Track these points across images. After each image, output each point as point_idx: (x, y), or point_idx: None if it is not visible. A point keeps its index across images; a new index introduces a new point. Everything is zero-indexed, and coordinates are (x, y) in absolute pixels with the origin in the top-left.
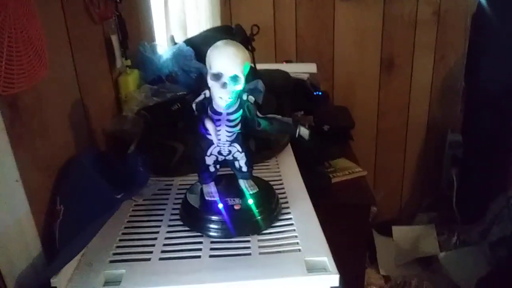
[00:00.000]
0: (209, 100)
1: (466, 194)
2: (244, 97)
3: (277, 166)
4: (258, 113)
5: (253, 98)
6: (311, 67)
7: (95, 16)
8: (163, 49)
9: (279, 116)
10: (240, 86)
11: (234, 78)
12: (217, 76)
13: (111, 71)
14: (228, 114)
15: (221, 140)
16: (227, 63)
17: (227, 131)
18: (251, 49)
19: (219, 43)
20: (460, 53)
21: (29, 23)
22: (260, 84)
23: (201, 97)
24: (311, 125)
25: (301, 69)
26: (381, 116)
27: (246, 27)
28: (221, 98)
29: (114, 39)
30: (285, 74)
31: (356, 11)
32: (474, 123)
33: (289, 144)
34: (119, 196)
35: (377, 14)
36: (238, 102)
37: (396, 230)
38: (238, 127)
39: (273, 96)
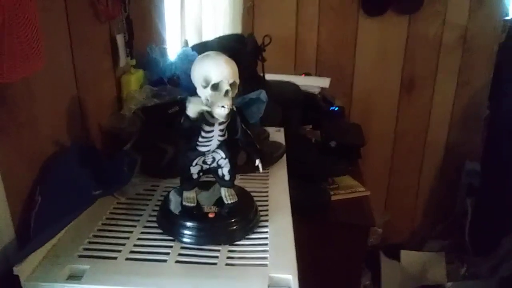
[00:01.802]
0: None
1: (479, 225)
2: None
3: (267, 178)
4: (241, 124)
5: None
6: (324, 82)
7: (101, 14)
8: (171, 52)
9: (254, 139)
10: (236, 91)
11: (233, 84)
12: (218, 85)
13: (115, 69)
14: (220, 124)
15: (211, 149)
16: (226, 71)
17: (218, 140)
18: (261, 59)
19: (204, 55)
20: (485, 79)
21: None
22: (263, 95)
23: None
24: (317, 140)
25: (314, 83)
26: (398, 137)
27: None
28: (223, 107)
29: (119, 38)
30: (295, 86)
31: (380, 28)
32: (494, 152)
33: (284, 157)
34: (96, 193)
35: (401, 33)
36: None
37: (405, 254)
38: (226, 135)
39: (279, 107)
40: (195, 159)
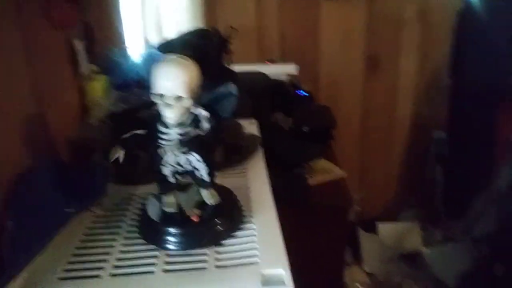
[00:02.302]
0: (159, 113)
1: (450, 191)
2: (197, 112)
3: (245, 172)
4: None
5: (207, 114)
6: (291, 68)
7: (56, 21)
8: (134, 53)
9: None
10: (187, 104)
11: (179, 99)
12: (162, 97)
13: (76, 77)
14: (178, 127)
15: (174, 146)
16: (169, 85)
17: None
18: (227, 52)
19: (165, 60)
20: (445, 51)
21: None
22: (233, 88)
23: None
24: (290, 126)
25: (280, 71)
26: (366, 115)
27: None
28: (169, 118)
29: (78, 44)
30: (263, 76)
31: (341, 10)
32: (459, 120)
33: (260, 149)
34: (71, 209)
35: (361, 13)
36: (191, 117)
37: (381, 226)
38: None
39: (249, 98)
40: (161, 158)
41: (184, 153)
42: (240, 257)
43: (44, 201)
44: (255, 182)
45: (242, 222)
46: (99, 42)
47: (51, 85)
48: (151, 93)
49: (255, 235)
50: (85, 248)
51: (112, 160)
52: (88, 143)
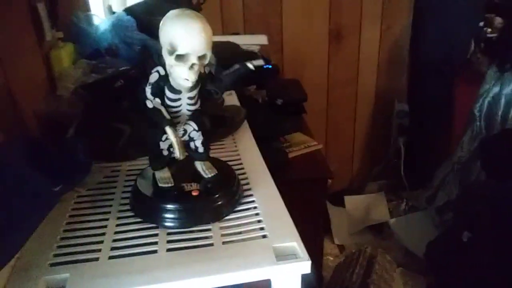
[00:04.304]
0: (165, 79)
1: (413, 161)
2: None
3: (234, 145)
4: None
5: (208, 69)
6: (262, 39)
7: None
8: (100, 19)
9: (226, 71)
10: (206, 62)
11: (203, 57)
12: (184, 57)
13: (40, 45)
14: (189, 91)
15: (181, 121)
16: (197, 43)
17: (188, 110)
18: None
19: (178, 15)
20: (406, 23)
21: None
22: (211, 57)
23: (155, 77)
24: (264, 99)
25: (252, 41)
26: (331, 87)
27: None
28: (187, 79)
29: (41, 8)
30: (235, 46)
31: None
32: (418, 92)
33: (245, 121)
34: (57, 189)
35: None
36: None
37: (348, 199)
38: (198, 103)
39: (222, 69)
40: (164, 133)
41: (183, 123)
42: (247, 232)
43: (21, 182)
44: (246, 152)
45: (242, 195)
46: (63, 6)
47: (13, 53)
48: (168, 54)
49: (257, 208)
50: (74, 230)
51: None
52: (58, 117)
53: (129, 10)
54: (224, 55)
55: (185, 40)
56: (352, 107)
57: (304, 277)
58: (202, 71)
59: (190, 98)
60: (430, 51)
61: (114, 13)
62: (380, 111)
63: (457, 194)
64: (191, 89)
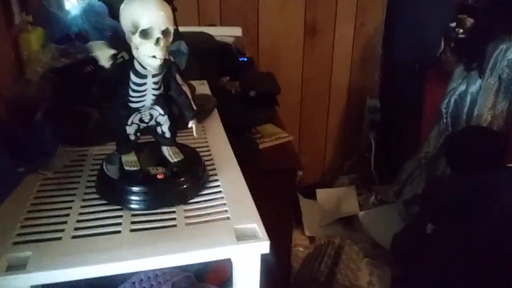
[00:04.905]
0: (130, 64)
1: (382, 156)
2: (167, 56)
3: (204, 132)
4: (177, 78)
5: (173, 57)
6: (236, 31)
7: None
8: (71, 4)
9: (189, 96)
10: (171, 39)
11: (166, 32)
12: (148, 32)
13: (8, 28)
14: (153, 76)
15: (146, 105)
16: (158, 16)
17: (153, 95)
18: (172, 9)
19: None
20: (379, 20)
21: None
22: (183, 46)
23: (119, 61)
24: (237, 90)
25: (226, 33)
26: (306, 82)
27: None
28: (155, 57)
29: None
30: (209, 37)
31: None
32: (389, 88)
33: (215, 109)
34: (21, 169)
35: None
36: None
37: (320, 192)
38: (161, 89)
39: (195, 59)
40: (129, 117)
41: (148, 107)
42: (210, 214)
43: None
44: (215, 140)
45: (208, 180)
46: None
47: None
48: (131, 34)
49: (222, 192)
50: (38, 211)
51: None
52: (27, 100)
53: None
54: (198, 45)
55: (145, 15)
56: (325, 102)
57: (266, 264)
58: (167, 58)
59: (155, 83)
60: (401, 49)
61: None
62: (352, 107)
63: (423, 188)
64: (157, 73)
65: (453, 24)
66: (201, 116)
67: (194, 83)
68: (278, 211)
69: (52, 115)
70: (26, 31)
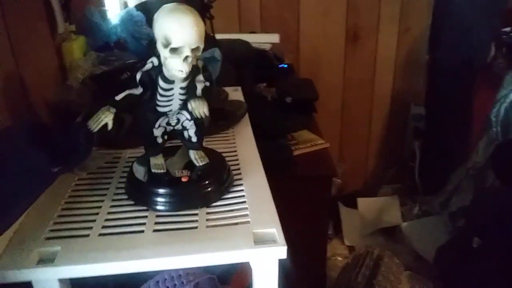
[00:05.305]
0: (158, 69)
1: (428, 166)
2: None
3: (233, 137)
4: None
5: (201, 62)
6: (274, 38)
7: None
8: (112, 14)
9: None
10: (199, 53)
11: (196, 49)
12: (177, 50)
13: (53, 36)
14: (181, 81)
15: (173, 110)
16: (190, 35)
17: (180, 99)
18: (209, 17)
19: (171, 9)
20: (424, 25)
21: None
22: (217, 53)
23: (148, 66)
24: (273, 97)
25: (264, 39)
26: (347, 89)
27: None
28: (181, 71)
29: (55, 1)
30: (245, 44)
31: None
32: (436, 95)
33: (246, 115)
34: (55, 170)
35: None
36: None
37: (361, 201)
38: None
39: (232, 66)
40: (156, 120)
41: (176, 112)
42: (231, 217)
43: (26, 160)
44: (243, 146)
45: (232, 184)
46: (76, 0)
47: (28, 43)
48: (163, 47)
49: (245, 196)
50: (70, 209)
51: (100, 125)
52: (68, 105)
53: (140, 6)
54: (234, 52)
55: (178, 34)
56: (368, 109)
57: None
58: (195, 63)
59: (182, 88)
60: (449, 54)
61: (128, 7)
62: (395, 114)
63: (470, 200)
64: (184, 79)
65: (508, 29)
66: (232, 122)
67: (228, 89)
68: (313, 218)
69: (90, 119)
70: (69, 39)
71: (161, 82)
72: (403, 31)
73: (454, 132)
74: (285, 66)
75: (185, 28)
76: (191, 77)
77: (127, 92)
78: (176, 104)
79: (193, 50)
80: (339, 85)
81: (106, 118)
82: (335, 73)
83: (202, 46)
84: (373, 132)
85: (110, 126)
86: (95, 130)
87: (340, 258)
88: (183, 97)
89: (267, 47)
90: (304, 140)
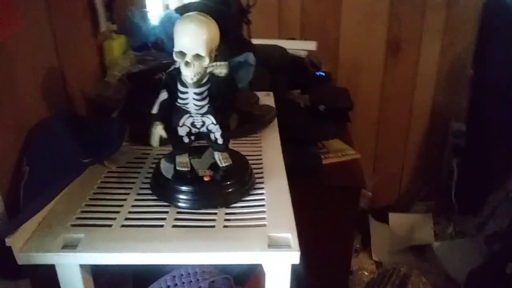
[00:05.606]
0: (178, 72)
1: (465, 185)
2: (211, 69)
3: (260, 142)
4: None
5: (222, 73)
6: (311, 45)
7: None
8: (152, 16)
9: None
10: (205, 64)
11: (197, 57)
12: (181, 55)
13: (95, 35)
14: (196, 87)
15: (192, 112)
16: (189, 42)
17: (195, 105)
18: (246, 22)
19: (184, 16)
20: (469, 39)
21: None
22: (251, 58)
23: (171, 68)
24: (306, 104)
25: (301, 46)
26: (385, 100)
27: None
28: (186, 76)
29: (98, 1)
30: (281, 50)
31: None
32: (479, 113)
33: (275, 120)
34: (86, 160)
35: None
36: (207, 76)
37: (393, 217)
38: (206, 100)
39: (267, 71)
40: (180, 119)
41: (201, 115)
42: (249, 219)
43: (60, 150)
44: (269, 151)
45: (253, 187)
46: (119, 1)
47: (71, 40)
48: (173, 51)
49: (264, 200)
50: (97, 199)
51: (157, 139)
52: (104, 100)
53: (179, 9)
54: (269, 58)
55: (180, 39)
56: (405, 122)
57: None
58: (203, 72)
59: (196, 93)
60: (495, 72)
61: (169, 9)
62: (434, 129)
63: (508, 224)
64: (196, 86)
65: None
66: (259, 126)
67: (260, 94)
68: (337, 229)
69: (124, 115)
70: (110, 38)
71: (178, 85)
72: (447, 45)
73: (495, 152)
74: (323, 74)
75: (186, 34)
76: (207, 86)
77: (157, 102)
78: (192, 108)
79: (194, 57)
80: (377, 96)
81: (157, 132)
82: (374, 84)
83: (204, 55)
84: (409, 146)
85: (165, 135)
86: (156, 145)
87: (366, 273)
88: (199, 103)
89: (304, 54)
90: (335, 150)
